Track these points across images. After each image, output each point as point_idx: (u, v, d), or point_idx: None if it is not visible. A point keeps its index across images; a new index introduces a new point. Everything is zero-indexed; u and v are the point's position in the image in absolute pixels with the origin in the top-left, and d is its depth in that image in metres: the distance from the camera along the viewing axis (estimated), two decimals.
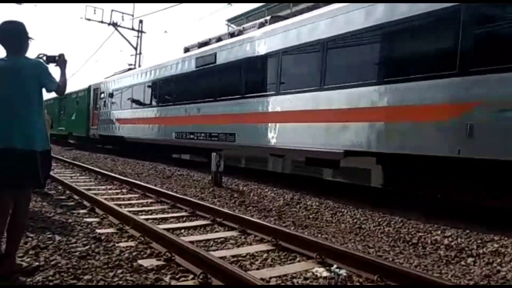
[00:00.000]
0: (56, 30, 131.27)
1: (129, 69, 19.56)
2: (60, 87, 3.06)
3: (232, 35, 11.26)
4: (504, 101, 4.89)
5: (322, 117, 7.40)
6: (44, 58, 3.15)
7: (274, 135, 8.62)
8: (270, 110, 8.79)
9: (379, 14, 6.46)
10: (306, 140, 7.72)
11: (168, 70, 13.58)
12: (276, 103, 8.62)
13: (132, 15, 25.06)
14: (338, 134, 7.06)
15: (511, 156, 4.86)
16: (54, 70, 3.11)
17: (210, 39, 12.23)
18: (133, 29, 25.54)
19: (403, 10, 6.09)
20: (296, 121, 8.05)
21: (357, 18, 6.81)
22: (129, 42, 25.56)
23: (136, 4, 25.69)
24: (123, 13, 24.55)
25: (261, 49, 9.22)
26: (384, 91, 6.33)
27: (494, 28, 5.24)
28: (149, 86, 15.00)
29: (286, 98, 8.32)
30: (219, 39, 11.70)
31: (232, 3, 17.68)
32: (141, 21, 25.72)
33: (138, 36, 25.74)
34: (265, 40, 9.15)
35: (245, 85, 9.82)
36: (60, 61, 3.18)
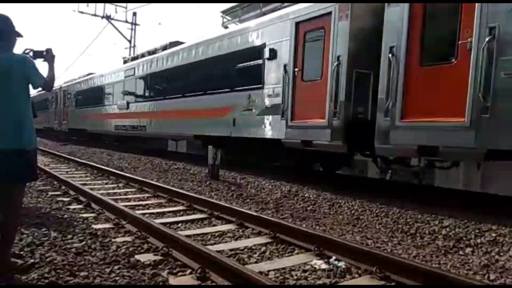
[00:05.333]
0: (49, 24, 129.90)
1: None
2: (47, 82, 2.99)
3: None
4: None
5: None
6: (31, 53, 3.07)
7: None
8: None
9: None
10: None
11: None
12: None
13: (126, 7, 24.84)
14: None
15: None
16: (42, 66, 3.04)
17: None
18: (126, 21, 25.33)
19: None
20: None
21: None
22: (123, 35, 25.37)
23: None
24: (116, 5, 24.31)
25: None
26: None
27: None
28: None
29: None
30: None
31: None
32: (134, 14, 25.52)
33: (132, 29, 25.56)
34: None
35: None
36: (48, 56, 3.09)
